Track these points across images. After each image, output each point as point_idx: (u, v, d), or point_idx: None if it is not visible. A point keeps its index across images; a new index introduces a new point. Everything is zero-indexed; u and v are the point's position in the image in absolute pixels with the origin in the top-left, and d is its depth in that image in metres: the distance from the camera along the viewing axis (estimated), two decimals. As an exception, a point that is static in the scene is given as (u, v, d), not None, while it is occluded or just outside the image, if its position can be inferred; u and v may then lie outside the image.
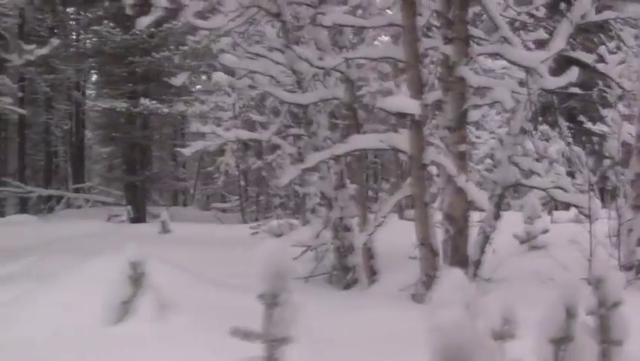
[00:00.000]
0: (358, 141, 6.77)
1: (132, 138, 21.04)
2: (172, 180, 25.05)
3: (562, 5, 7.49)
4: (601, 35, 9.04)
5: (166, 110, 19.14)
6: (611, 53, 7.88)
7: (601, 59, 7.66)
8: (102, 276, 5.48)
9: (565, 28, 6.94)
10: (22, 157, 29.14)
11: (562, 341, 2.83)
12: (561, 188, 7.21)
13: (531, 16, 7.77)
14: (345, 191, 7.47)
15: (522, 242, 9.54)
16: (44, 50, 12.73)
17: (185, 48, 18.85)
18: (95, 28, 20.73)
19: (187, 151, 11.02)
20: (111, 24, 19.79)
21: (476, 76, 6.64)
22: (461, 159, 6.72)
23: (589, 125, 14.66)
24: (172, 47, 19.69)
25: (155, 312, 5.01)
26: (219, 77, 15.72)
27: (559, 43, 6.56)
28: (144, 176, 21.51)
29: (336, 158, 6.97)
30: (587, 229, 6.83)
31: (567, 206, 10.01)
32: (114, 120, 21.70)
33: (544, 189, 7.31)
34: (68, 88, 27.46)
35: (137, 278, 5.17)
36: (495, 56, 7.02)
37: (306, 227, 10.61)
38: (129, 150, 21.58)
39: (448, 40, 6.62)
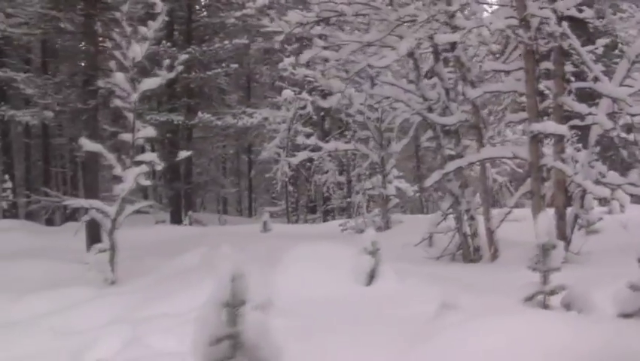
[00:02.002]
0: (490, 152, 9.15)
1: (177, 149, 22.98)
2: (218, 188, 26.94)
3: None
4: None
5: (218, 122, 21.16)
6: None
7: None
8: (317, 256, 7.80)
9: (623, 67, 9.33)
10: (47, 167, 30.91)
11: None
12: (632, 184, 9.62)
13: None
14: (469, 189, 9.83)
15: (582, 227, 11.94)
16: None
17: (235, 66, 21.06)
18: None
19: (294, 160, 13.29)
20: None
21: (576, 103, 9.01)
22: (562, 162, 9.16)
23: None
24: (223, 65, 21.76)
25: (395, 276, 7.26)
26: (286, 93, 18.03)
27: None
28: (189, 184, 23.45)
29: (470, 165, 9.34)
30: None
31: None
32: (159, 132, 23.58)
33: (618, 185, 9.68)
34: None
35: (374, 252, 7.40)
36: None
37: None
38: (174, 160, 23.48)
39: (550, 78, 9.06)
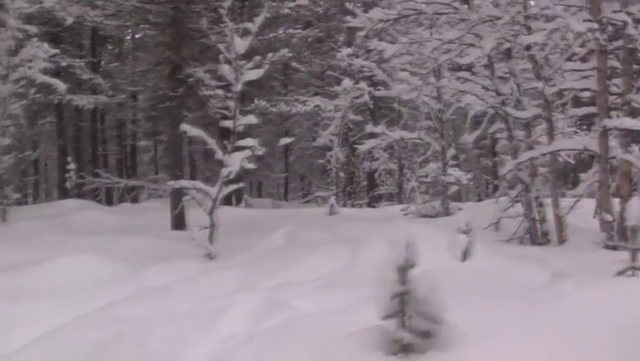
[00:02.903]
0: (562, 144, 9.89)
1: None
2: (267, 172, 27.82)
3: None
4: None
5: (273, 109, 21.98)
6: None
7: None
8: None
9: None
10: (95, 150, 32.03)
11: None
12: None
13: None
14: (538, 178, 10.58)
15: None
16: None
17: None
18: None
19: (363, 147, 14.09)
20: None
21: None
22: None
23: None
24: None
25: (487, 252, 8.04)
26: (346, 83, 18.83)
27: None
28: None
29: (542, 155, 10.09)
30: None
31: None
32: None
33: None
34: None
35: (468, 231, 8.18)
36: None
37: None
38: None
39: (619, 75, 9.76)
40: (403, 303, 4.48)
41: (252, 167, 9.86)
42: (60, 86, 15.88)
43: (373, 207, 22.57)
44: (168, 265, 8.82)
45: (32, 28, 15.86)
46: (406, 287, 4.46)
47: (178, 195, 12.12)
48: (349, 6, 16.91)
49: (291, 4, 22.60)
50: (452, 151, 14.94)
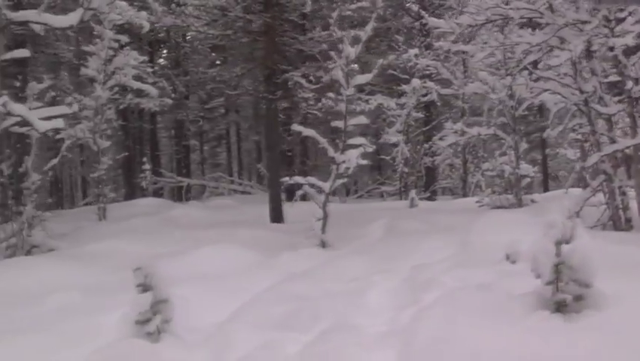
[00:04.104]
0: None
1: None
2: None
3: None
4: None
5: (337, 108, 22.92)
6: None
7: None
8: (510, 222, 9.52)
9: None
10: (153, 150, 33.37)
11: None
12: None
13: None
14: (621, 169, 11.42)
15: None
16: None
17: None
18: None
19: (443, 143, 15.03)
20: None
21: None
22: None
23: None
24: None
25: (589, 235, 8.91)
26: (415, 82, 19.75)
27: None
28: (304, 164, 25.36)
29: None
30: None
31: None
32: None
33: None
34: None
35: (571, 217, 9.03)
36: None
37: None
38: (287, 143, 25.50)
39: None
40: (559, 271, 5.42)
41: (365, 163, 10.83)
42: (152, 91, 17.04)
43: (434, 200, 23.47)
44: (294, 252, 9.85)
45: (124, 38, 17.06)
46: (561, 258, 5.39)
47: (277, 191, 13.16)
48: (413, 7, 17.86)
49: (353, 7, 23.48)
50: (524, 145, 15.79)
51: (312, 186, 10.78)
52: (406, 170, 23.12)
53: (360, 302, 6.97)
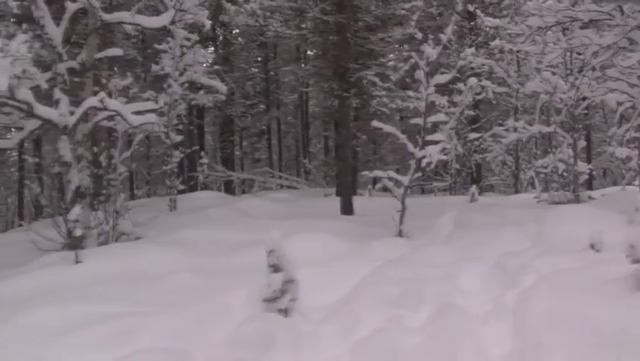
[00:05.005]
0: None
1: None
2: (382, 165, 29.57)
3: None
4: None
5: (393, 105, 23.53)
6: None
7: None
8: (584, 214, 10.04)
9: None
10: (202, 145, 34.15)
11: None
12: None
13: None
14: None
15: None
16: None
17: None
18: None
19: (505, 141, 15.58)
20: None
21: None
22: None
23: None
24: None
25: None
26: (472, 81, 20.26)
27: None
28: (354, 160, 25.99)
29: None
30: None
31: None
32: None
33: None
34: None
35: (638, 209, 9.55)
36: None
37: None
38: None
39: None
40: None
41: (445, 158, 11.42)
42: (222, 88, 17.76)
43: (481, 195, 23.92)
44: (380, 241, 10.44)
45: (194, 37, 17.80)
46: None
47: (348, 185, 13.80)
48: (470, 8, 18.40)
49: (407, 5, 24.04)
50: (582, 142, 16.24)
51: (390, 179, 11.35)
52: (457, 166, 23.63)
53: (457, 285, 7.55)
